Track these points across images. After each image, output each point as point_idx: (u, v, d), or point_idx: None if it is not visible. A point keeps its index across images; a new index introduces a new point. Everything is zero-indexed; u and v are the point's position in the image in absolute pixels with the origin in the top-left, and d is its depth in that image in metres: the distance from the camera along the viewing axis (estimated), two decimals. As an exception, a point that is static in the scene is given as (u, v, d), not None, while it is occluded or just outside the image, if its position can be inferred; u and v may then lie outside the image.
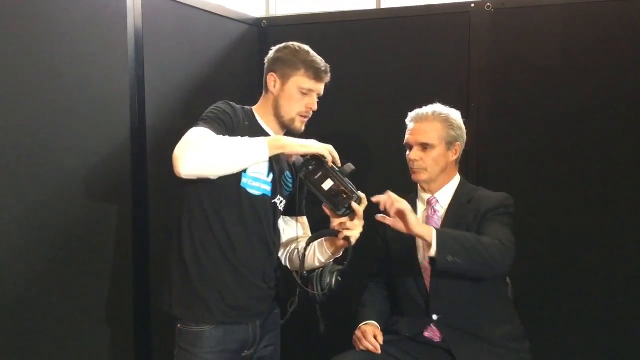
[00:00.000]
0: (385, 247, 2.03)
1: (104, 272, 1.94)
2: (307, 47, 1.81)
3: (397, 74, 2.50)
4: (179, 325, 1.75)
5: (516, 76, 2.36)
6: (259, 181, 1.75)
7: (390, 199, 1.70)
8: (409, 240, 1.91)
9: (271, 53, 1.84)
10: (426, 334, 1.93)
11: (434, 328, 1.90)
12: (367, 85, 2.53)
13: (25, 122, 1.68)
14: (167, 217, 2.12)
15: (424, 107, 1.98)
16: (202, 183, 1.67)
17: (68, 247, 1.82)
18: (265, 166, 1.76)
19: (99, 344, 1.94)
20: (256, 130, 1.77)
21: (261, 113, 1.83)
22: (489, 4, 2.35)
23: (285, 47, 1.81)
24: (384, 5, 2.94)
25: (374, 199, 1.70)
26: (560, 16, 2.29)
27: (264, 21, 2.63)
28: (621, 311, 2.27)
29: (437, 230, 1.72)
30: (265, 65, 1.83)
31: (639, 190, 2.23)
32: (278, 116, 1.80)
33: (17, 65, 1.66)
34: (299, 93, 1.78)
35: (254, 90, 2.62)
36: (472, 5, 2.38)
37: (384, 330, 1.95)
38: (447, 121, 1.93)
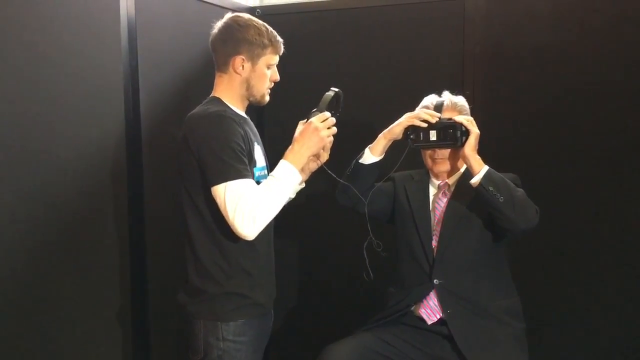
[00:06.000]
0: (401, 206, 2.07)
1: (100, 266, 1.94)
2: (258, 20, 1.77)
3: (391, 62, 2.50)
4: (218, 322, 1.70)
5: (510, 64, 2.36)
6: (264, 169, 1.80)
7: (472, 122, 1.90)
8: (425, 201, 2.02)
9: (225, 33, 1.76)
10: (422, 311, 1.96)
11: (433, 296, 1.95)
12: (361, 73, 2.53)
13: (17, 115, 1.68)
14: (162, 208, 2.14)
15: (440, 96, 2.01)
16: None
17: (63, 241, 1.82)
18: (260, 153, 1.80)
19: (95, 341, 1.94)
20: (239, 119, 1.73)
21: (228, 97, 1.78)
22: (483, -9, 2.35)
23: (243, 27, 1.75)
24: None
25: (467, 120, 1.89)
26: (553, 3, 2.29)
27: (258, 10, 2.62)
28: (619, 306, 2.29)
29: (488, 167, 1.85)
30: (220, 47, 1.76)
31: (636, 179, 2.24)
32: (248, 96, 1.79)
33: (8, 57, 1.65)
34: (267, 70, 1.78)
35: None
36: (466, -8, 2.38)
37: (378, 309, 2.02)
38: (466, 112, 2.00)
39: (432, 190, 2.05)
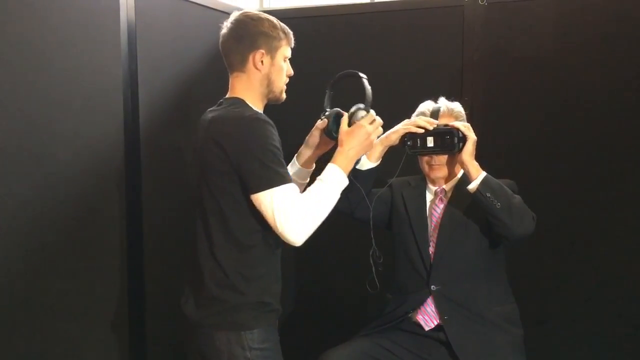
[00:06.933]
0: (398, 212, 2.06)
1: (97, 267, 1.94)
2: (267, 14, 1.73)
3: (391, 68, 2.50)
4: (242, 332, 1.63)
5: (509, 70, 2.37)
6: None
7: (469, 127, 1.91)
8: (422, 207, 2.01)
9: (239, 30, 1.68)
10: (420, 318, 1.96)
11: (430, 303, 1.95)
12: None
13: (17, 117, 1.68)
14: (160, 211, 2.14)
15: (436, 102, 2.01)
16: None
17: (61, 242, 1.82)
18: None
19: (92, 342, 1.94)
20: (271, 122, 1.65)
21: (249, 98, 1.70)
22: (482, -3, 2.36)
23: (257, 20, 1.69)
24: (377, -1, 2.93)
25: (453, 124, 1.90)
26: (554, 11, 2.30)
27: (258, 14, 2.63)
28: (618, 312, 2.29)
29: (486, 173, 1.87)
30: (236, 46, 1.68)
31: (636, 182, 2.24)
32: (269, 93, 1.72)
33: (9, 60, 1.65)
34: (284, 63, 1.74)
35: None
36: (466, -1, 2.39)
37: (376, 315, 2.02)
38: (462, 118, 2.01)
39: (429, 197, 2.05)
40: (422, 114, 2.00)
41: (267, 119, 1.62)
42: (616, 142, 2.26)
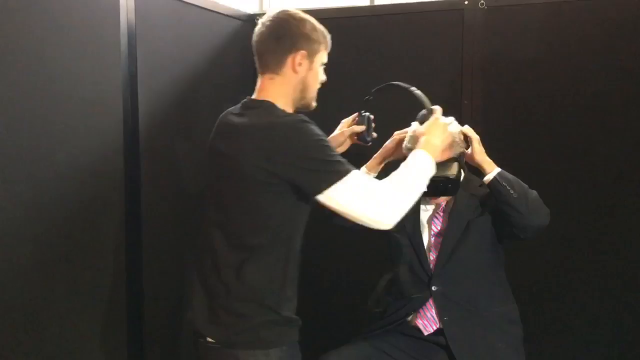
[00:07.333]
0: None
1: (96, 267, 1.93)
2: (308, 15, 1.64)
3: (390, 72, 2.49)
4: (269, 350, 1.55)
5: (509, 74, 2.37)
6: None
7: (468, 129, 1.91)
8: (416, 216, 1.98)
9: (279, 29, 1.58)
10: (419, 322, 1.96)
11: (430, 307, 1.94)
12: (360, 82, 2.53)
13: (16, 119, 1.67)
14: (160, 211, 2.13)
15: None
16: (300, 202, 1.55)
17: (60, 242, 1.81)
18: None
19: (91, 342, 1.93)
20: None
21: (281, 102, 1.59)
22: (482, 1, 2.36)
23: (299, 20, 1.60)
24: (377, 2, 2.94)
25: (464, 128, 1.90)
26: (553, 14, 2.30)
27: (258, 17, 2.62)
28: (618, 313, 2.29)
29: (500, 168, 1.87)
30: (274, 46, 1.58)
31: (637, 183, 2.25)
32: (301, 99, 1.63)
33: (7, 62, 1.65)
34: (320, 68, 1.66)
35: (247, 86, 2.62)
36: (466, 2, 2.39)
37: (377, 318, 2.01)
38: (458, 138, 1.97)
39: (430, 209, 2.02)
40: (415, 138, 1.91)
41: (307, 118, 1.54)
42: (616, 144, 2.26)
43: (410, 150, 1.74)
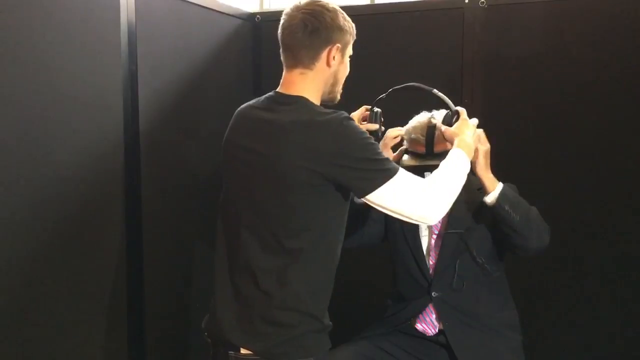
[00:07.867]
0: (392, 225, 2.02)
1: (96, 267, 1.93)
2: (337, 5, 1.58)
3: (390, 70, 2.50)
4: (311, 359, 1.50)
5: (509, 72, 2.36)
6: None
7: (483, 138, 1.84)
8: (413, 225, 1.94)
9: (315, 22, 1.49)
10: (419, 325, 1.95)
11: (430, 312, 1.93)
12: (360, 80, 2.52)
13: (15, 118, 1.67)
14: (160, 211, 2.13)
15: (430, 121, 1.91)
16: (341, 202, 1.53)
17: (60, 242, 1.81)
18: None
19: (91, 342, 1.92)
20: None
21: (314, 97, 1.54)
22: (482, 0, 2.36)
23: (333, 12, 1.52)
24: (377, 1, 2.93)
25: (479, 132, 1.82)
26: (554, 12, 2.30)
27: (258, 16, 2.62)
28: (618, 319, 2.29)
29: (503, 184, 1.81)
30: (309, 39, 1.49)
31: (637, 183, 2.24)
32: (329, 92, 1.58)
33: (6, 61, 1.64)
34: (348, 61, 1.61)
35: (247, 85, 2.62)
36: (466, 1, 2.38)
37: (377, 321, 2.00)
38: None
39: None
40: (416, 141, 1.90)
41: (349, 115, 1.50)
42: (617, 144, 2.25)
43: (412, 155, 1.85)
